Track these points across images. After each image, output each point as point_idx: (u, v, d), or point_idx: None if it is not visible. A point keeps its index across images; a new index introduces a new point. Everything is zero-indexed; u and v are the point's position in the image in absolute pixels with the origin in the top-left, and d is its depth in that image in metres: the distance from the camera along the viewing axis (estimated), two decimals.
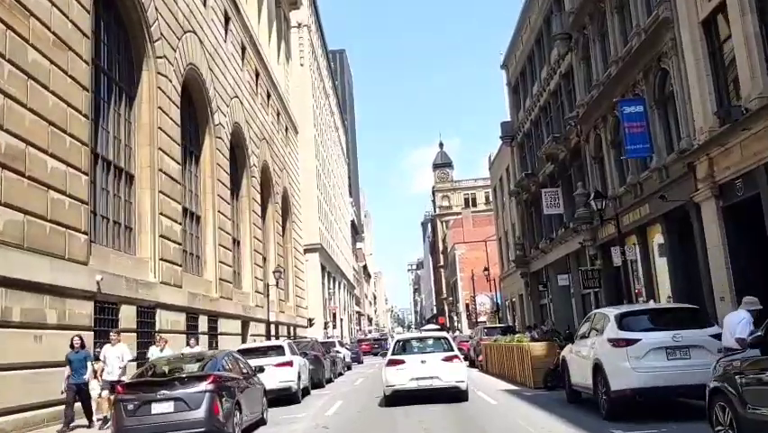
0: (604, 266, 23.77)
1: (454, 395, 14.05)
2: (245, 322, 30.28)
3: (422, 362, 14.23)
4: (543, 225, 33.84)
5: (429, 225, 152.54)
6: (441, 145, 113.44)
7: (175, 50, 22.22)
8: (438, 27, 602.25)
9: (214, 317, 24.78)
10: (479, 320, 62.81)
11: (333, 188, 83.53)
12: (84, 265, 14.85)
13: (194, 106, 25.92)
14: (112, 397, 10.44)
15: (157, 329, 18.90)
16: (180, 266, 21.38)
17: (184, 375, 9.64)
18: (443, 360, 14.27)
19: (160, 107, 20.44)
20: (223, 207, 27.27)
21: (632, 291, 20.20)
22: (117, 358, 12.47)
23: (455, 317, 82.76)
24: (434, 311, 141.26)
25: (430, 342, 15.95)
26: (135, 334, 17.55)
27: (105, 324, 15.88)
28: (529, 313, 37.32)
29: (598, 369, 9.87)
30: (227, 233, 27.71)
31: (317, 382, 20.63)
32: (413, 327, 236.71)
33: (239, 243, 31.73)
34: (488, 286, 75.97)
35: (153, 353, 16.00)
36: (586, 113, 24.02)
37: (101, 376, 12.39)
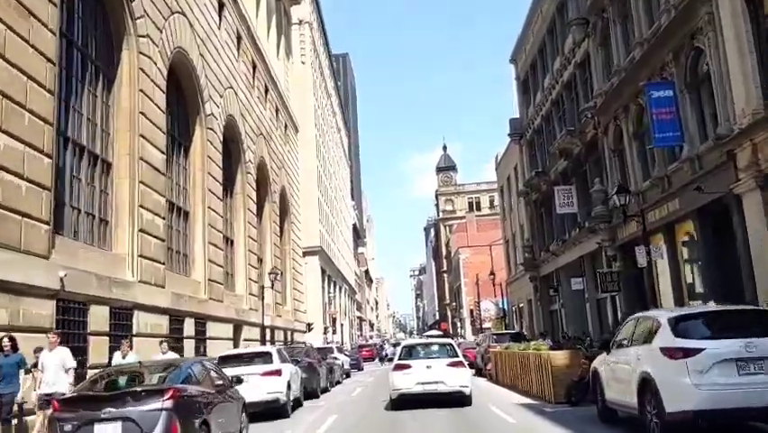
0: (624, 268, 21.95)
1: (458, 399, 14.44)
2: (238, 326, 28.46)
3: (427, 367, 14.68)
4: (554, 226, 32.02)
5: (432, 229, 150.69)
6: (444, 148, 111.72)
7: (161, 31, 20.49)
8: (441, 32, 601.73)
9: (202, 321, 22.97)
10: (483, 327, 60.91)
11: (334, 190, 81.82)
12: (44, 259, 13.06)
13: (183, 95, 24.20)
14: (48, 414, 8.58)
15: (134, 333, 17.11)
16: (163, 264, 19.59)
17: (139, 389, 7.83)
18: (448, 365, 14.70)
19: (141, 90, 18.68)
20: (214, 203, 25.50)
21: (657, 295, 18.35)
22: (57, 366, 10.51)
23: (458, 324, 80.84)
24: (437, 317, 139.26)
25: (435, 348, 16.25)
26: (108, 338, 15.75)
27: (70, 326, 14.08)
28: (538, 319, 35.45)
29: (646, 385, 8.03)
30: (218, 231, 25.93)
31: (311, 392, 18.81)
32: (414, 332, 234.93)
33: (232, 242, 29.96)
34: (492, 291, 74.14)
35: (116, 359, 14.24)
36: (605, 102, 22.24)
37: (38, 388, 10.49)
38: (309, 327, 48.23)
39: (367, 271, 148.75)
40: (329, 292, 64.11)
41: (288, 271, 43.41)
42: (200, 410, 8.13)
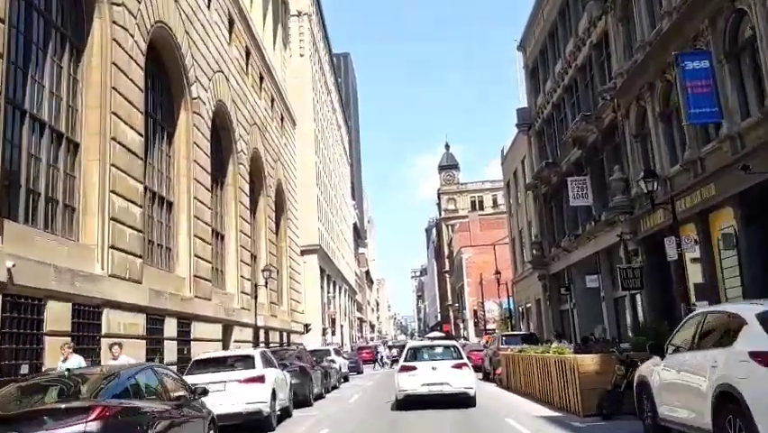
0: (647, 263, 20.02)
1: (463, 400, 14.65)
2: (228, 326, 26.57)
3: (433, 368, 14.92)
4: (565, 220, 30.09)
5: (434, 229, 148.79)
6: (447, 147, 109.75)
7: (139, 1, 18.63)
8: (443, 35, 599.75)
9: (186, 320, 21.06)
10: (487, 328, 58.93)
11: (334, 188, 79.93)
12: None
13: (166, 75, 22.34)
14: None
15: (104, 333, 15.22)
16: (140, 257, 17.68)
17: (58, 406, 5.92)
18: (453, 367, 14.98)
19: (114, 63, 16.80)
20: (201, 193, 23.60)
21: (689, 291, 16.40)
22: None
23: (461, 325, 78.89)
24: (439, 318, 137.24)
25: (440, 349, 16.59)
26: (71, 338, 13.86)
27: (21, 325, 12.20)
28: (548, 319, 33.51)
29: (727, 401, 6.12)
30: (206, 223, 24.02)
31: (303, 400, 16.89)
32: (416, 334, 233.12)
33: (222, 237, 28.07)
34: (496, 292, 72.17)
35: (59, 364, 12.29)
36: (626, 82, 20.32)
37: None
38: (307, 327, 46.33)
39: (368, 272, 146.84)
40: (328, 292, 62.23)
41: (285, 269, 41.54)
42: (144, 432, 6.22)
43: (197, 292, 22.31)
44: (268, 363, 13.39)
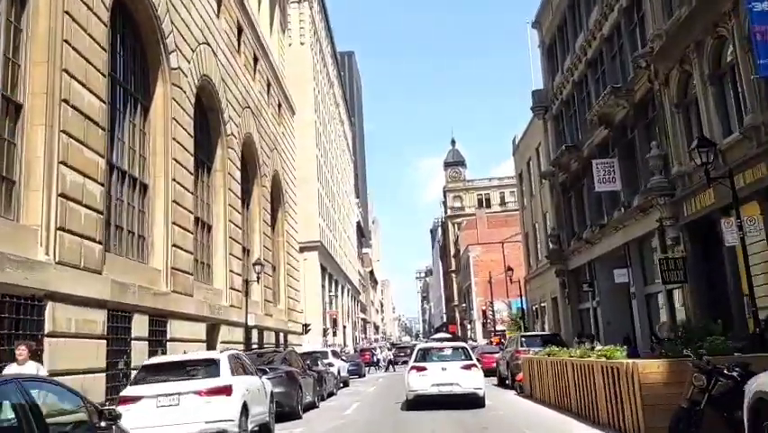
0: (692, 253, 17.30)
1: (473, 401, 14.92)
2: (214, 325, 23.95)
3: (443, 369, 15.23)
4: (587, 209, 27.37)
5: (439, 228, 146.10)
6: (453, 143, 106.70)
7: None
8: (447, 39, 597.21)
9: (161, 318, 18.43)
10: (497, 329, 56.19)
11: (336, 184, 77.33)
12: None
13: (139, 39, 19.73)
14: None
15: (47, 331, 12.59)
16: (100, 244, 15.04)
17: None
18: (462, 368, 15.26)
19: (67, 12, 14.17)
20: (181, 175, 20.97)
21: (752, 282, 13.63)
22: None
23: (468, 326, 76.15)
24: (444, 319, 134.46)
25: (450, 351, 16.86)
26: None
27: None
28: (566, 319, 30.77)
29: None
30: (187, 210, 21.37)
31: (290, 412, 14.22)
32: (421, 335, 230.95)
33: (210, 227, 25.46)
34: (505, 292, 69.50)
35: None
36: (666, 44, 17.60)
37: None
38: (306, 328, 43.70)
39: (372, 272, 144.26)
40: (330, 291, 59.60)
41: (282, 265, 38.89)
42: None
43: (176, 287, 19.68)
44: (239, 368, 10.70)
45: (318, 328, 52.38)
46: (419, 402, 14.96)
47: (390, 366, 43.58)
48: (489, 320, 60.09)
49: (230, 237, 26.28)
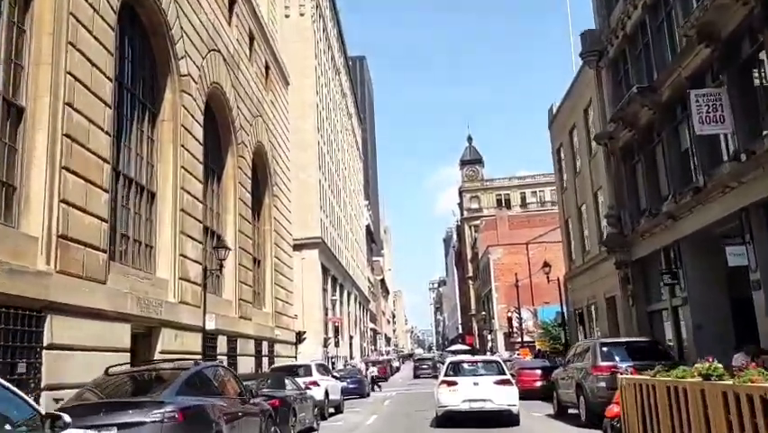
0: None
1: (506, 418, 14.37)
2: (151, 329, 17.06)
3: (474, 384, 14.71)
4: (668, 173, 20.17)
5: (453, 238, 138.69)
6: (469, 139, 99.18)
7: None
8: (458, 45, 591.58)
9: (32, 315, 11.44)
10: (524, 340, 48.77)
11: (342, 179, 70.47)
12: None
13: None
14: None
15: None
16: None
17: None
18: (496, 383, 14.73)
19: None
20: (87, 103, 14.04)
21: None
22: None
23: (488, 336, 68.68)
24: (460, 330, 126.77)
25: (482, 365, 16.42)
26: None
27: None
28: (628, 324, 23.50)
29: None
30: (99, 157, 14.39)
31: None
32: (434, 348, 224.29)
33: (150, 194, 18.59)
34: (530, 298, 62.18)
35: None
36: None
37: None
38: (300, 336, 36.64)
39: (383, 281, 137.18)
40: (332, 296, 52.48)
41: (269, 260, 31.96)
42: None
43: (66, 267, 12.68)
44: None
45: (318, 338, 45.32)
46: (449, 419, 14.56)
47: (375, 386, 36.08)
48: (515, 330, 52.59)
49: (182, 210, 19.35)
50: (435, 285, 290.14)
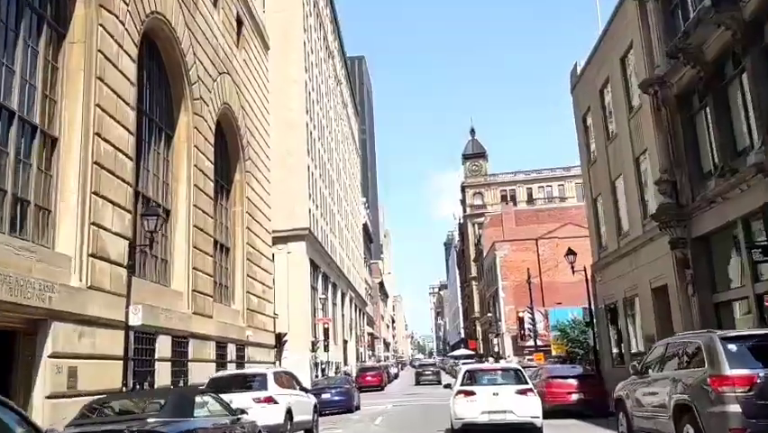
0: None
1: (529, 432, 13.56)
2: (33, 322, 11.90)
3: (494, 394, 13.70)
4: (756, 115, 14.97)
5: (456, 233, 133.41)
6: (472, 132, 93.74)
7: None
8: (460, 46, 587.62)
9: None
10: (537, 344, 43.51)
11: (336, 172, 65.36)
12: None
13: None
14: None
15: None
16: None
17: None
18: (517, 393, 13.73)
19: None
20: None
21: None
22: None
23: (494, 340, 63.40)
24: (462, 335, 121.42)
25: (501, 373, 15.44)
26: None
27: None
28: (686, 319, 18.26)
29: None
30: None
31: None
32: (434, 354, 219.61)
33: (52, 140, 13.44)
34: (541, 298, 57.00)
35: None
36: None
37: None
38: (281, 339, 31.47)
39: (381, 284, 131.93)
40: (322, 294, 47.20)
41: (240, 246, 26.82)
42: None
43: None
44: None
45: (304, 341, 40.12)
46: None
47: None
48: (527, 331, 47.32)
49: (96, 162, 14.14)
50: (436, 289, 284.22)
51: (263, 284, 29.56)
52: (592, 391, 17.47)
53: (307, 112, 47.45)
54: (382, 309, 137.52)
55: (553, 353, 40.30)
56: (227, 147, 26.47)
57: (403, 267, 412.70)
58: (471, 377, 14.61)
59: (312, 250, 44.17)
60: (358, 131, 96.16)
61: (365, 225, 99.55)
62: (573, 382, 17.64)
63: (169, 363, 17.85)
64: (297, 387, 15.05)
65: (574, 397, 17.28)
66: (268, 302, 30.40)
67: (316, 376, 37.78)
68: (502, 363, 28.65)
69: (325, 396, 22.83)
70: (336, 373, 44.72)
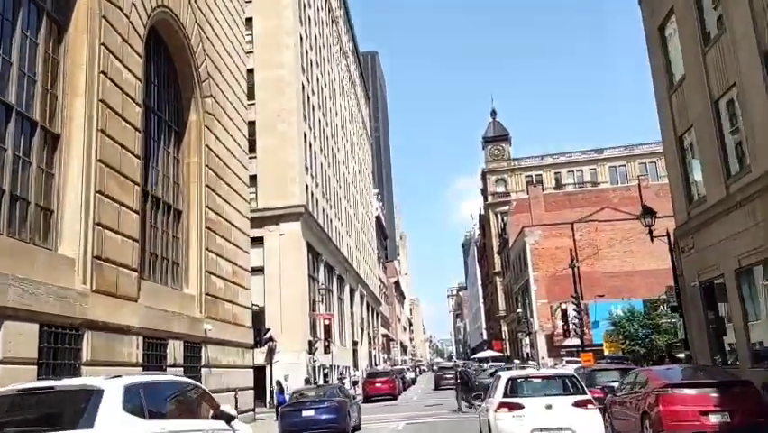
0: None
1: None
2: None
3: (547, 407, 11.29)
4: None
5: (475, 232, 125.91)
6: (493, 113, 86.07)
7: None
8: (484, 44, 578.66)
9: None
10: (584, 344, 35.95)
11: (342, 150, 58.28)
12: None
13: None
14: None
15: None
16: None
17: None
18: (575, 405, 11.29)
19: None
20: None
21: None
22: None
23: (524, 340, 55.87)
24: (484, 336, 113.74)
25: (552, 382, 12.68)
26: None
27: None
28: None
29: None
30: None
31: None
32: (454, 357, 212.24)
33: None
34: (577, 287, 49.42)
35: None
36: None
37: None
38: (261, 335, 24.40)
39: (398, 283, 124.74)
40: (321, 284, 39.97)
41: (197, 211, 19.74)
42: None
43: None
44: None
45: (300, 340, 33.04)
46: None
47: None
48: (572, 326, 39.79)
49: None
50: (454, 292, 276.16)
51: (234, 264, 22.48)
52: (744, 408, 10.20)
53: (304, 72, 40.48)
54: (398, 311, 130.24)
55: (606, 352, 32.94)
56: (176, 74, 19.46)
57: (420, 274, 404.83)
58: (515, 387, 12.10)
59: (309, 233, 37.10)
60: (366, 110, 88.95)
61: (378, 219, 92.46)
62: (712, 394, 10.37)
63: (35, 366, 10.81)
64: (208, 412, 7.90)
65: (713, 419, 10.02)
66: (242, 288, 23.33)
67: (315, 383, 30.72)
68: (552, 370, 22.75)
69: (307, 414, 15.72)
70: (341, 378, 37.58)
